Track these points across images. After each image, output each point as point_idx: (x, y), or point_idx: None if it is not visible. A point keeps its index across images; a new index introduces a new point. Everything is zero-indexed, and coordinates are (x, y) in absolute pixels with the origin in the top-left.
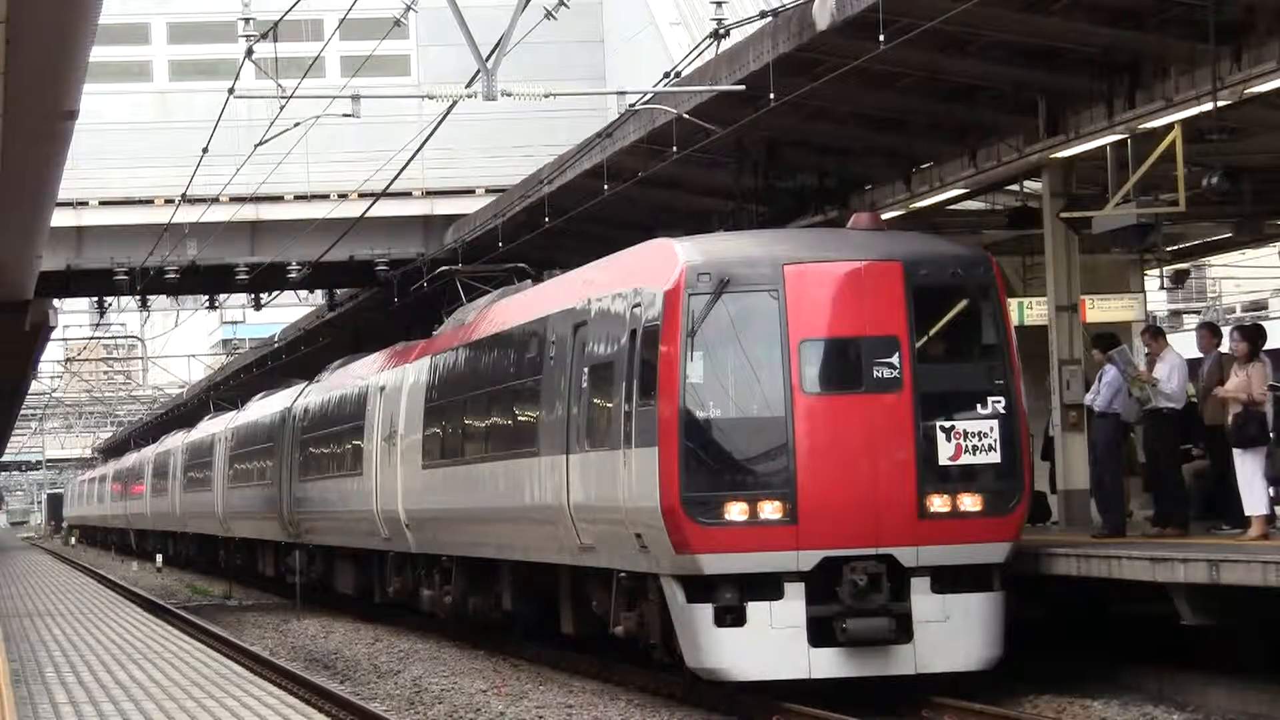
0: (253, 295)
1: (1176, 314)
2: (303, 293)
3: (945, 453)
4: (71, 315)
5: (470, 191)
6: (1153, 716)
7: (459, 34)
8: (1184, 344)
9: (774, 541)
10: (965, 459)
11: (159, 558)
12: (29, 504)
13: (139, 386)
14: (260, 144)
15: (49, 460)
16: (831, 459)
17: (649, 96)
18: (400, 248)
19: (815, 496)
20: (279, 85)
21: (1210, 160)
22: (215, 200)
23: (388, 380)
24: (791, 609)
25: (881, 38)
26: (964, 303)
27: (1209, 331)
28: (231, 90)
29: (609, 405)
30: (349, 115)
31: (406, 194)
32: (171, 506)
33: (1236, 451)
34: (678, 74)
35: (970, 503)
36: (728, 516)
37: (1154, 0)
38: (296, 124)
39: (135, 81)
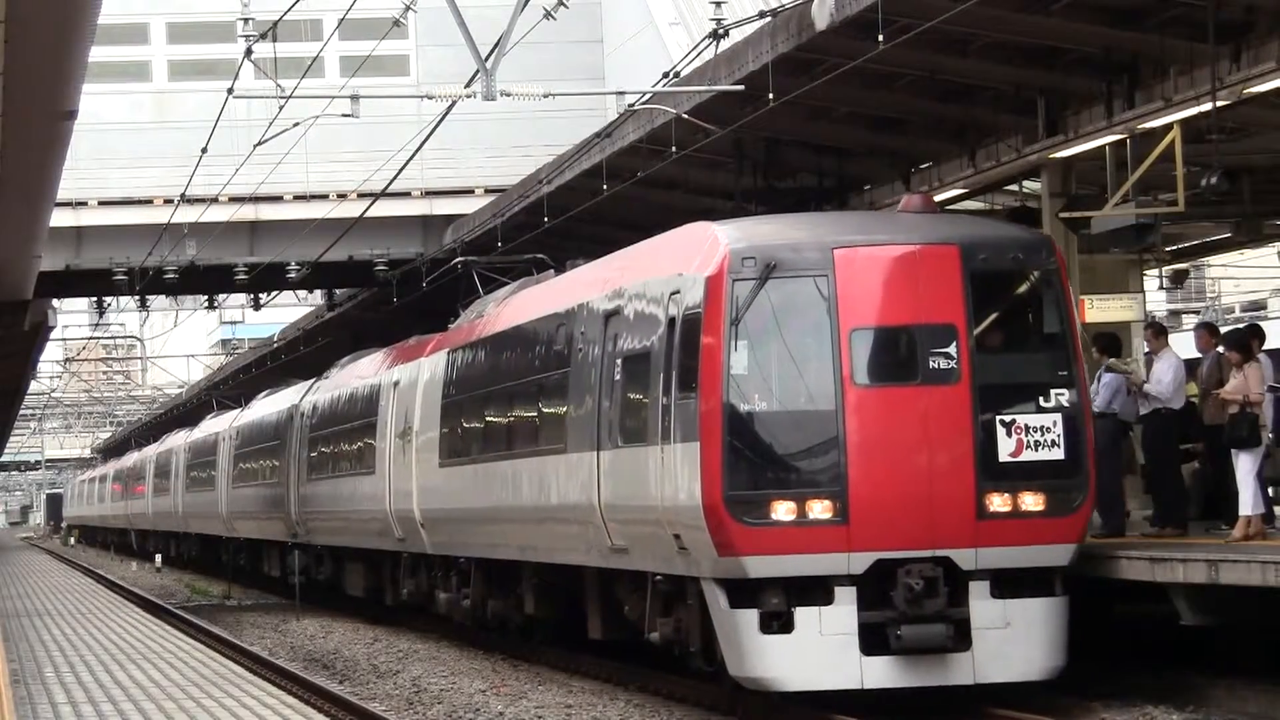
0: (252, 295)
1: (1175, 314)
2: (302, 293)
3: (1005, 448)
4: (70, 315)
5: (469, 191)
6: (1152, 716)
7: (458, 34)
8: (1183, 344)
9: (823, 543)
10: (1027, 455)
11: (158, 558)
12: (27, 503)
13: (138, 386)
14: (259, 144)
15: (48, 460)
16: (884, 455)
17: (648, 96)
18: (399, 248)
19: (867, 495)
20: (278, 85)
21: (1209, 160)
22: (214, 200)
23: (401, 375)
24: (842, 615)
25: (880, 38)
26: (1025, 289)
27: (1207, 331)
28: (231, 90)
29: (644, 399)
30: (348, 115)
31: (405, 194)
32: (174, 506)
33: (1233, 451)
34: (677, 74)
35: (1032, 502)
36: (774, 516)
37: (1153, 0)
38: (296, 124)
39: (134, 81)
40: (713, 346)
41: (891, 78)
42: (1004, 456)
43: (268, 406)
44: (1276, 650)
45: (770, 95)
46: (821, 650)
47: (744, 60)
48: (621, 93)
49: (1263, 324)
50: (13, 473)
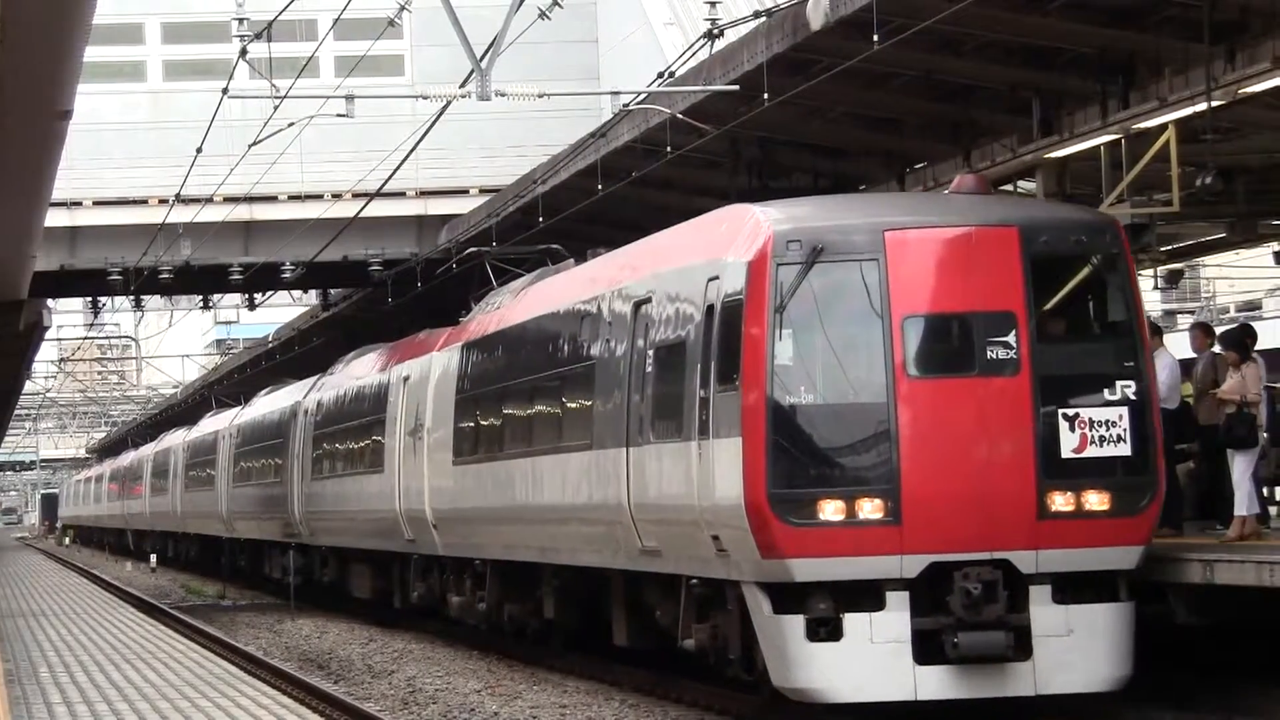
0: (247, 295)
1: (1170, 314)
2: (297, 293)
3: (1068, 444)
4: (65, 315)
5: (464, 191)
6: (1148, 715)
7: (453, 34)
8: (1178, 344)
9: (874, 544)
10: (1091, 451)
11: (153, 558)
12: (13, 506)
13: (133, 386)
14: (254, 144)
15: (43, 460)
16: (939, 451)
17: (643, 96)
18: (394, 248)
19: (921, 493)
20: (273, 85)
21: (1204, 160)
22: (209, 200)
23: (412, 370)
24: (894, 621)
25: (875, 38)
26: (1088, 273)
27: (1202, 331)
28: (226, 90)
29: (679, 392)
30: (343, 115)
31: (400, 194)
32: (172, 506)
33: (1229, 451)
34: (672, 74)
35: (1097, 501)
36: (821, 516)
37: (1148, 0)
38: (291, 124)
39: (129, 81)
40: (755, 336)
41: (886, 78)
42: (1066, 452)
43: (270, 404)
44: (1271, 650)
45: (765, 95)
46: (872, 659)
47: (739, 60)
48: (616, 93)
49: (1257, 324)
50: (8, 473)
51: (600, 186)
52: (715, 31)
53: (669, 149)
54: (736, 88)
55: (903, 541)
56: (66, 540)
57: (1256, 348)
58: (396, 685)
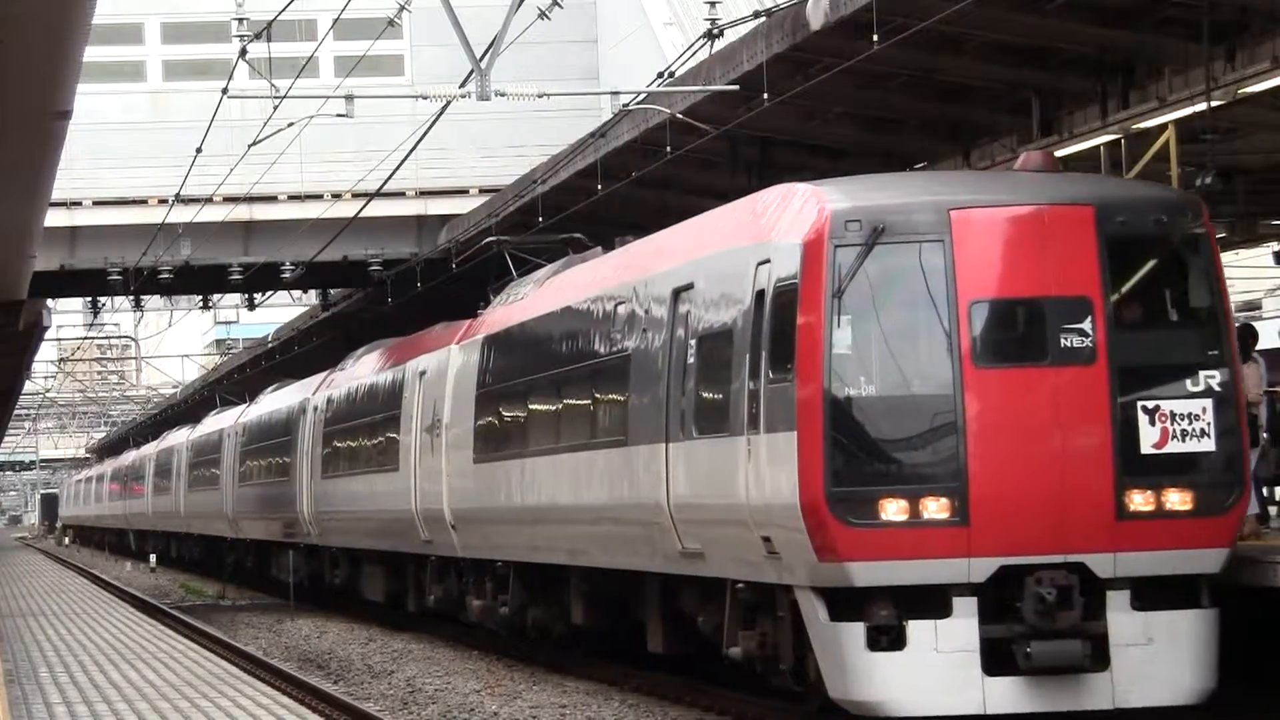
0: (246, 295)
1: None
2: (296, 293)
3: (1148, 439)
4: (65, 315)
5: (464, 191)
6: (1144, 715)
7: (453, 34)
8: None
9: (940, 547)
10: (1172, 446)
11: (153, 558)
12: (21, 504)
13: (133, 386)
14: (254, 144)
15: (43, 460)
16: (1010, 446)
17: (642, 96)
18: (394, 248)
19: (990, 492)
20: (273, 85)
21: (1204, 160)
22: (209, 200)
23: (429, 365)
24: (961, 629)
25: (875, 38)
26: (1169, 256)
27: None
28: (225, 90)
29: (725, 384)
30: (343, 115)
31: (400, 194)
32: (175, 506)
33: None
34: (671, 74)
35: (1178, 500)
36: (883, 516)
37: (1148, 0)
38: (290, 124)
39: (129, 81)
40: (812, 323)
41: (886, 78)
42: (1146, 448)
43: (277, 401)
44: (1272, 650)
45: (765, 95)
46: (938, 669)
47: (738, 60)
48: (616, 93)
49: (1257, 324)
50: (7, 473)
51: (600, 186)
52: (715, 31)
53: (669, 149)
54: (736, 88)
55: (970, 543)
56: (66, 540)
57: (1257, 348)
58: (396, 685)
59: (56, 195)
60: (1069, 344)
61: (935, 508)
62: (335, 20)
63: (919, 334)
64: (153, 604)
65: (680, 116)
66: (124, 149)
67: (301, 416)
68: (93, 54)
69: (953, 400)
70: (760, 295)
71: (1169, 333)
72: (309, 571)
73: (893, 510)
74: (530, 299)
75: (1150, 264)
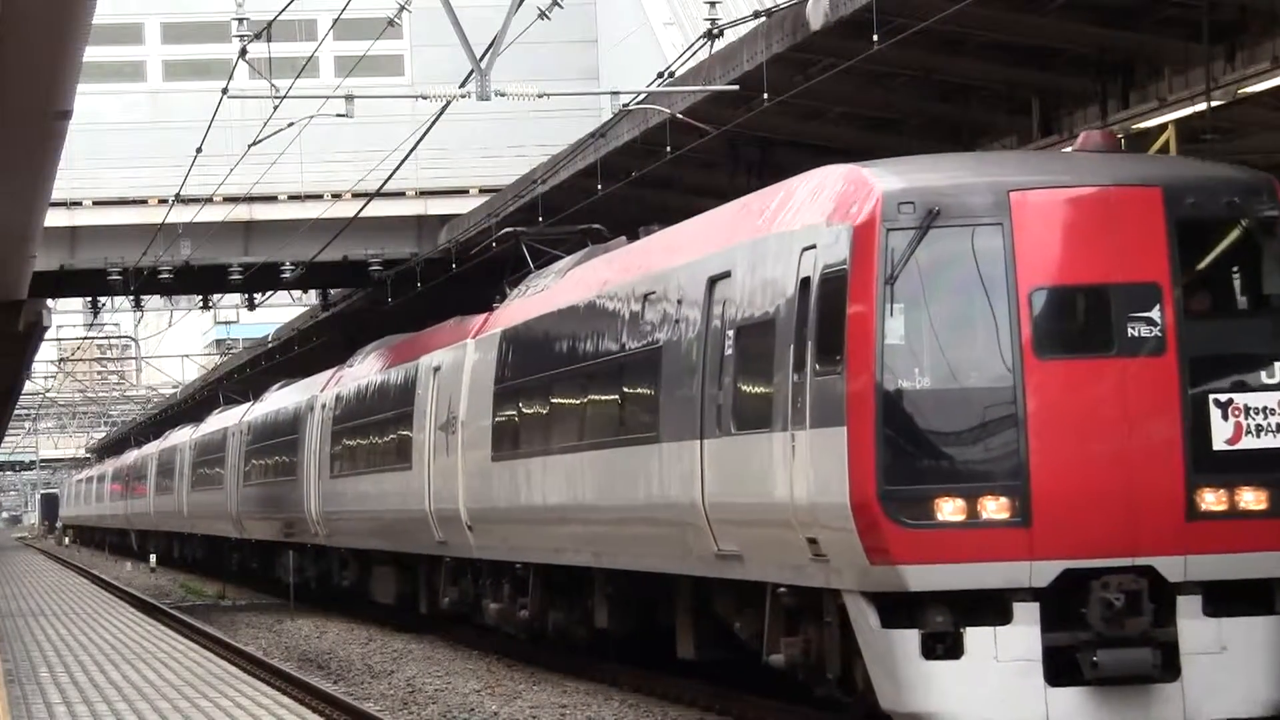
0: (247, 295)
1: None
2: (297, 293)
3: (1221, 434)
4: (65, 315)
5: (464, 192)
6: None
7: (453, 34)
8: None
9: (1000, 549)
10: (1247, 442)
11: (153, 557)
12: (21, 504)
13: (133, 386)
14: (254, 144)
15: (43, 460)
16: (1074, 442)
17: (642, 96)
18: (394, 248)
19: (1053, 491)
20: (273, 85)
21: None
22: (209, 200)
23: (443, 360)
24: (1023, 636)
25: (875, 38)
26: (1243, 240)
27: None
28: (225, 90)
29: (767, 377)
30: (343, 115)
31: (400, 194)
32: (178, 506)
33: None
34: (671, 74)
35: (1253, 499)
36: (939, 516)
37: (1147, 0)
38: (290, 124)
39: (129, 81)
40: (862, 312)
41: (886, 78)
42: (1219, 444)
43: (284, 399)
44: None
45: (765, 95)
46: (997, 679)
47: (739, 60)
48: (616, 93)
49: None
50: (7, 473)
51: (600, 186)
52: (715, 31)
53: (669, 149)
54: (736, 88)
55: (1032, 545)
56: (66, 540)
57: None
58: (396, 685)
59: (56, 195)
60: (1136, 333)
61: (994, 507)
62: (335, 20)
63: (976, 323)
64: (153, 604)
65: (680, 116)
66: (124, 149)
67: (309, 414)
68: (93, 54)
69: (1013, 393)
70: (805, 283)
71: (1242, 321)
72: (317, 572)
73: (949, 510)
74: (551, 291)
75: (1222, 248)
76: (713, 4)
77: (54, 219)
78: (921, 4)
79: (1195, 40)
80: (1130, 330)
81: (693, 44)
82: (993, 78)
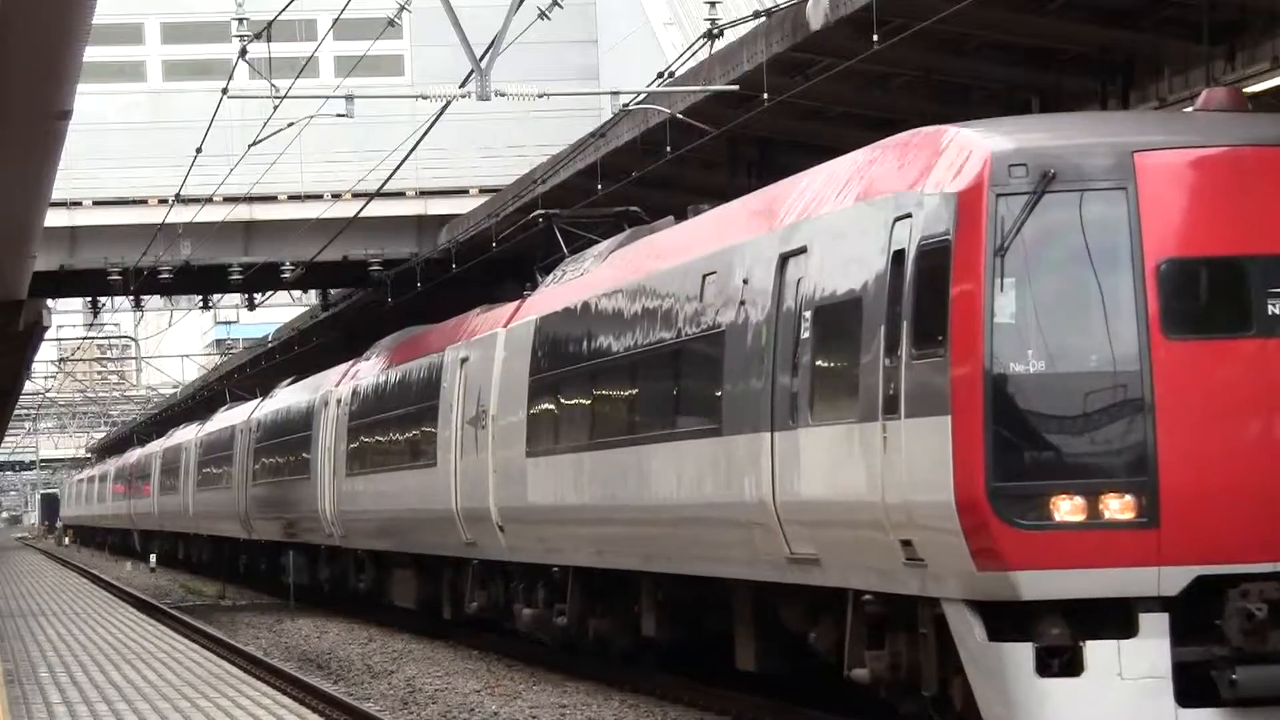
0: (246, 295)
1: None
2: (296, 293)
3: None
4: (65, 315)
5: (464, 191)
6: None
7: (453, 34)
8: None
9: (1124, 553)
10: None
11: (152, 558)
12: (21, 504)
13: (133, 386)
14: (254, 144)
15: (43, 460)
16: (1208, 433)
17: (642, 96)
18: (394, 248)
19: (1185, 487)
20: (273, 85)
21: None
22: (209, 200)
23: (471, 351)
24: (1150, 651)
25: (875, 37)
26: None
27: None
28: (225, 90)
29: (852, 362)
30: (343, 115)
31: (400, 194)
32: (183, 506)
33: None
34: (671, 74)
35: None
36: (1056, 517)
37: (1148, 0)
38: (290, 124)
39: (129, 81)
40: (969, 287)
41: (886, 78)
42: None
43: (295, 395)
44: None
45: (765, 95)
46: (1122, 699)
47: (738, 60)
48: (616, 93)
49: None
50: (7, 473)
51: (600, 186)
52: (715, 31)
53: (669, 149)
54: (736, 88)
55: (1161, 549)
56: (66, 540)
57: None
58: (396, 685)
59: (56, 195)
60: (1276, 311)
61: (1118, 506)
62: (335, 20)
63: (1097, 299)
64: (153, 604)
65: (680, 117)
66: (124, 149)
67: (323, 410)
68: (93, 54)
69: (1139, 377)
70: (899, 256)
71: None
72: (331, 574)
73: (1066, 509)
74: (592, 275)
75: None
76: (713, 4)
77: (54, 219)
78: (921, 4)
79: (1195, 40)
80: (1270, 307)
81: (693, 44)
82: (993, 78)
